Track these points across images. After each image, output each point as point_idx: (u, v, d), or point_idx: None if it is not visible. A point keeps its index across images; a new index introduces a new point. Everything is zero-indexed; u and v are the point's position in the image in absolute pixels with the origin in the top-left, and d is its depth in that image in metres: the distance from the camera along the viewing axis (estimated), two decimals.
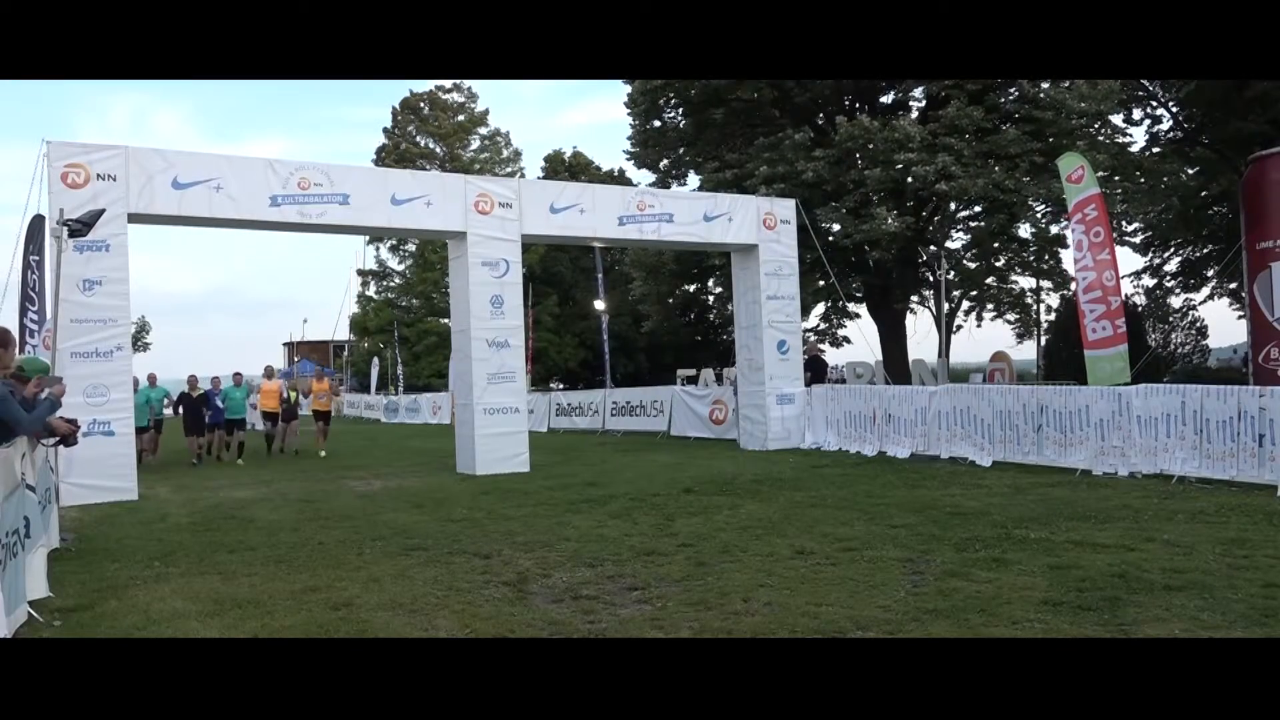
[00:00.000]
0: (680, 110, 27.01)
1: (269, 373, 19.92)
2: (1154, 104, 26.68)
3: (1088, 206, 13.98)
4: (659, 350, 39.64)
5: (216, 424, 17.18)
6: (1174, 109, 26.35)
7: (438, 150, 48.73)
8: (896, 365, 22.93)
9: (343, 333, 53.09)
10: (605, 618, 5.35)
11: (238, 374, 18.00)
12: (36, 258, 12.45)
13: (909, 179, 22.03)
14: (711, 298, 37.52)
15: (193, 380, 17.33)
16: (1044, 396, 11.70)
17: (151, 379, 17.11)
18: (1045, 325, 30.24)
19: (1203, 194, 27.02)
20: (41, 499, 6.71)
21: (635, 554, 7.12)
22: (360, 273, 50.75)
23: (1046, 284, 28.26)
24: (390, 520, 9.06)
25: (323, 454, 17.82)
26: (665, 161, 28.19)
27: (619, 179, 37.77)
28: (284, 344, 69.02)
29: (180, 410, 17.12)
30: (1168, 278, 30.79)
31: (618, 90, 44.62)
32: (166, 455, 17.49)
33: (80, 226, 9.73)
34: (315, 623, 5.35)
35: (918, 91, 24.77)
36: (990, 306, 29.72)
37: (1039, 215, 25.61)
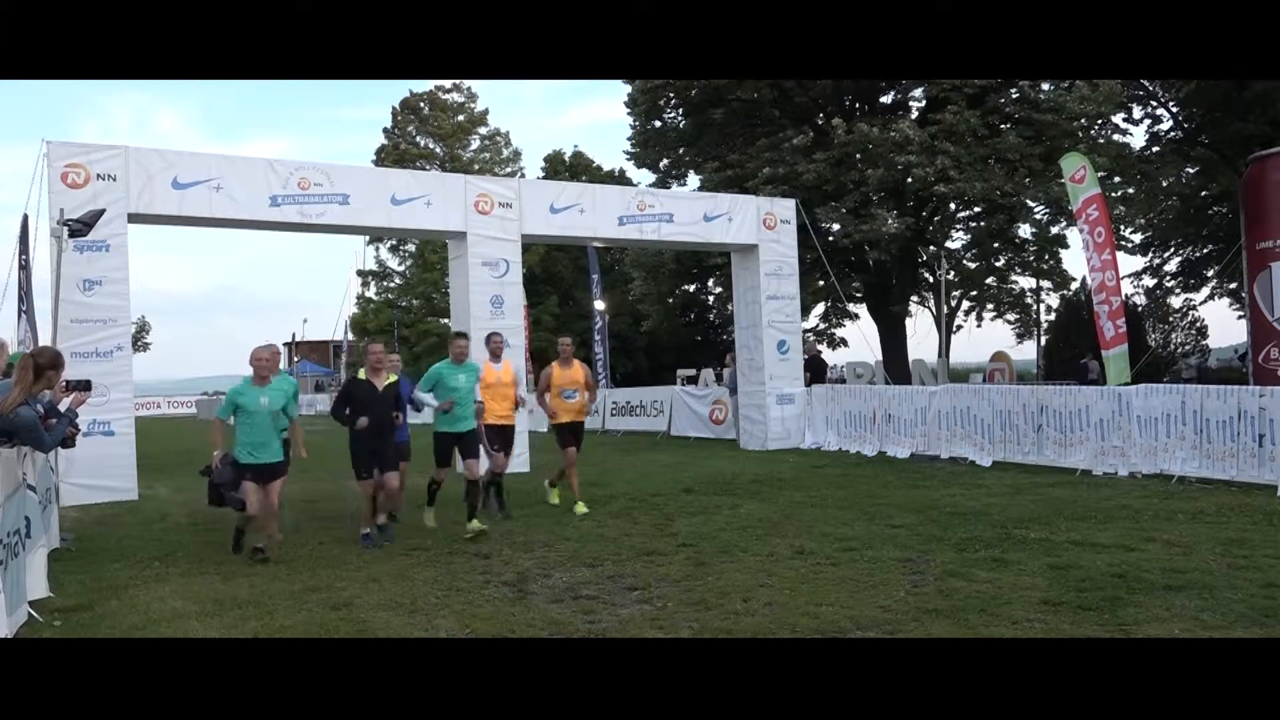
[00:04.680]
0: (680, 110, 27.01)
1: (496, 348, 9.18)
2: (1154, 104, 26.68)
3: (1090, 207, 13.99)
4: (659, 350, 39.61)
5: (404, 446, 8.78)
6: (1174, 109, 26.35)
7: (438, 150, 48.69)
8: (896, 365, 22.92)
9: (343, 333, 53.08)
10: (605, 618, 5.36)
11: (460, 338, 8.76)
12: (25, 257, 12.40)
13: (909, 180, 22.04)
14: (711, 298, 37.52)
15: (376, 355, 8.00)
16: (1044, 396, 11.70)
17: (263, 362, 7.39)
18: (1045, 325, 30.24)
19: (1203, 194, 27.03)
20: (42, 499, 6.71)
21: (635, 554, 7.12)
22: (360, 273, 50.73)
23: (1046, 284, 28.26)
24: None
25: (581, 509, 9.10)
26: (665, 161, 28.19)
27: (619, 179, 37.75)
28: (284, 344, 69.11)
29: (348, 413, 7.87)
30: (1168, 278, 30.78)
31: (618, 90, 44.67)
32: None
33: (80, 226, 9.72)
34: (315, 623, 5.35)
35: (917, 92, 24.78)
36: (990, 306, 29.73)
37: (1039, 216, 25.62)
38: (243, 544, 7.37)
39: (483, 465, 8.68)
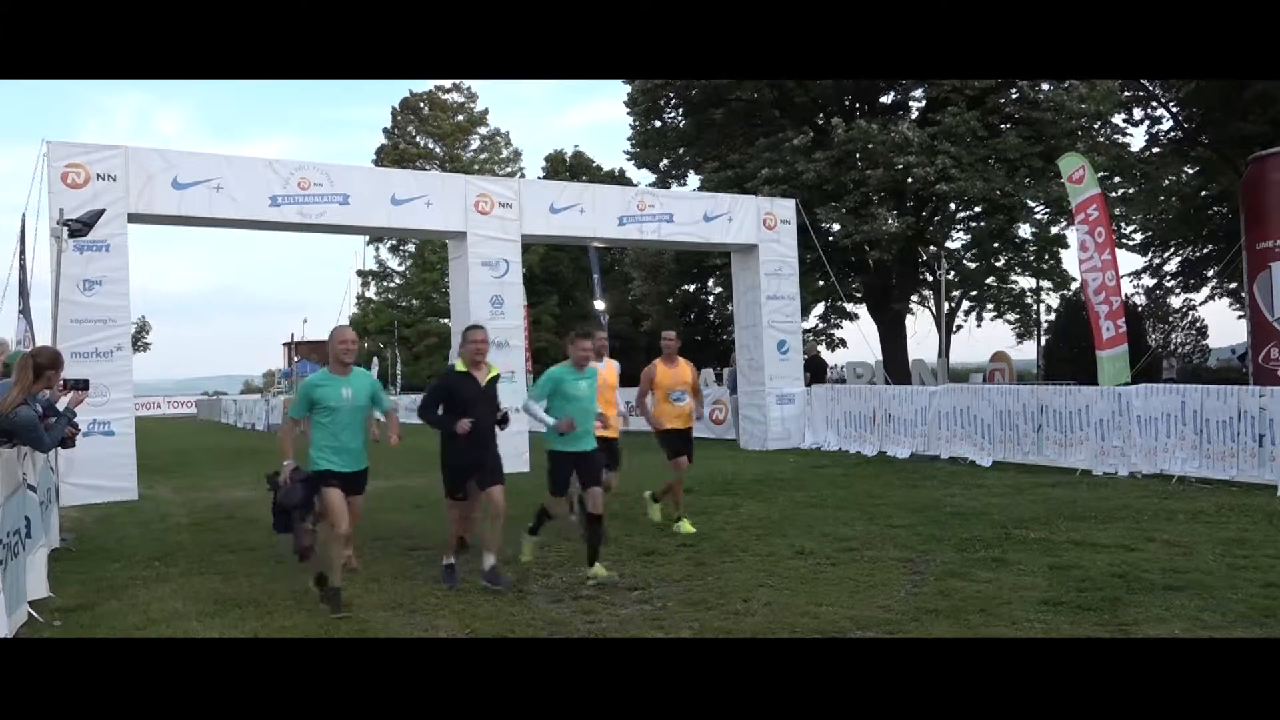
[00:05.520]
0: (680, 110, 26.99)
1: (599, 347, 7.68)
2: (1154, 104, 26.67)
3: (1089, 207, 13.99)
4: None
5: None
6: (1174, 109, 26.33)
7: (437, 150, 48.70)
8: (896, 365, 22.90)
9: None
10: (605, 618, 5.36)
11: (584, 338, 6.66)
12: (23, 257, 12.41)
13: (909, 180, 22.04)
14: (711, 298, 37.48)
15: (476, 344, 6.40)
16: (1044, 396, 11.70)
17: (348, 345, 5.95)
18: (1045, 325, 30.22)
19: (1203, 194, 27.01)
20: (42, 499, 6.71)
21: (635, 554, 7.12)
22: (360, 273, 50.75)
23: (1046, 284, 28.24)
24: (390, 520, 9.05)
25: (688, 528, 8.05)
26: (665, 161, 28.17)
27: (619, 179, 37.73)
28: (284, 344, 69.04)
29: (442, 414, 6.30)
30: (1168, 278, 30.77)
31: (618, 90, 44.63)
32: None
33: (80, 226, 9.72)
34: (315, 623, 5.35)
35: (918, 93, 24.77)
36: (990, 306, 29.69)
37: (1039, 216, 25.61)
38: (330, 591, 5.63)
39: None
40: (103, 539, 8.49)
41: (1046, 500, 9.01)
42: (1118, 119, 25.68)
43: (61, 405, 6.35)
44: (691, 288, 34.18)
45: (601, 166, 42.05)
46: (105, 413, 11.08)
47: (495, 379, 6.41)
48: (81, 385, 6.45)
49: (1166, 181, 27.60)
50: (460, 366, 6.32)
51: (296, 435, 5.96)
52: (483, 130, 50.12)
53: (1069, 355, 23.86)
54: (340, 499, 5.62)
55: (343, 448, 5.72)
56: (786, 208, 16.35)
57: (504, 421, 6.40)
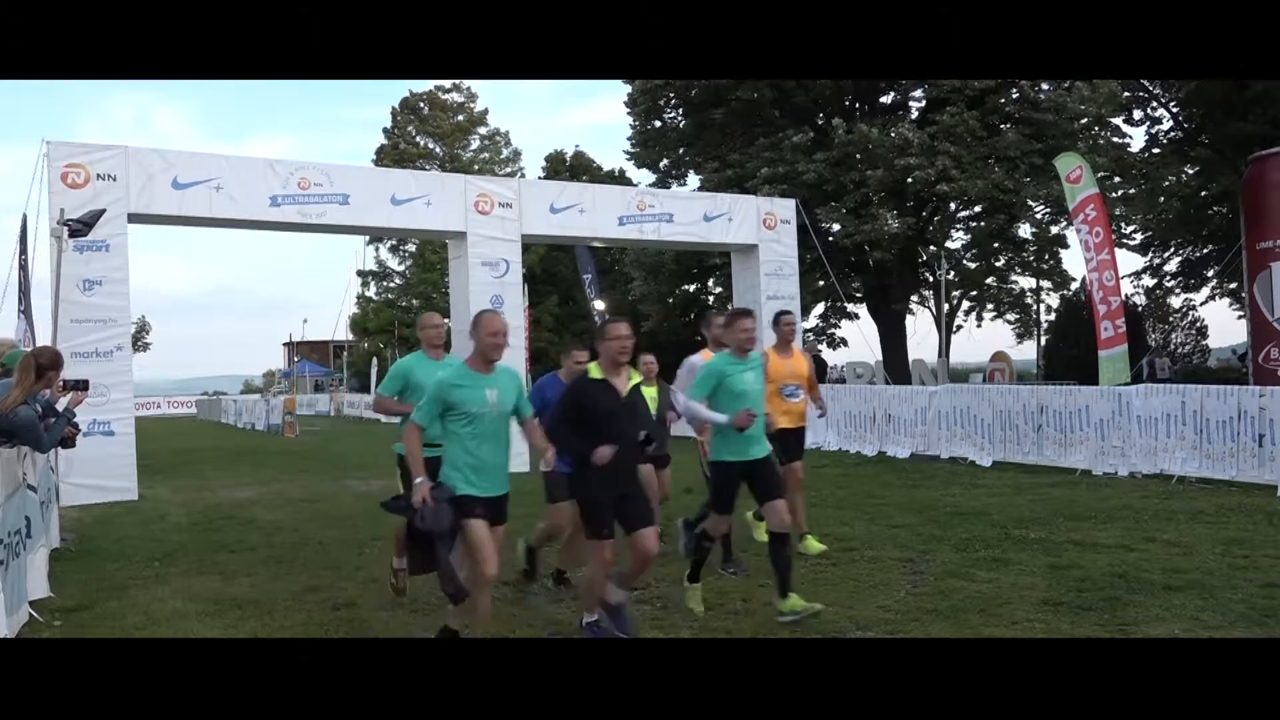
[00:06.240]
0: (680, 110, 27.00)
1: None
2: (1154, 105, 26.67)
3: (1088, 207, 13.99)
4: (659, 350, 39.55)
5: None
6: (1174, 109, 26.33)
7: (437, 150, 48.70)
8: (896, 365, 22.90)
9: (343, 333, 53.10)
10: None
11: (743, 316, 5.63)
12: (24, 257, 12.42)
13: (909, 180, 22.05)
14: (711, 298, 37.50)
15: (620, 340, 4.98)
16: (1044, 396, 11.70)
17: (499, 337, 4.70)
18: (1045, 325, 30.22)
19: (1203, 194, 27.01)
20: (42, 499, 6.71)
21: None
22: (360, 273, 50.76)
23: (1046, 284, 28.24)
24: (390, 520, 9.02)
25: (815, 546, 7.15)
26: (665, 161, 28.17)
27: (619, 179, 37.73)
28: (284, 344, 69.05)
29: (572, 434, 4.94)
30: (1168, 278, 30.76)
31: (618, 90, 44.63)
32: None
33: (80, 226, 9.73)
34: (315, 623, 5.35)
35: (918, 93, 24.77)
36: (990, 306, 29.70)
37: (1039, 216, 25.61)
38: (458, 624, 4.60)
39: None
40: (103, 539, 8.49)
41: (1046, 500, 9.01)
42: (1118, 121, 25.69)
43: (61, 406, 6.35)
44: (691, 288, 34.18)
45: (601, 166, 42.04)
46: (105, 413, 11.08)
47: (637, 387, 5.08)
48: (81, 386, 6.44)
49: (1166, 182, 27.60)
50: (595, 372, 4.94)
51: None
52: (483, 130, 50.12)
53: (1069, 355, 23.86)
54: (488, 533, 4.44)
55: (482, 465, 4.48)
56: (786, 208, 16.35)
57: (648, 443, 5.13)
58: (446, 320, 5.40)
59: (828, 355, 28.10)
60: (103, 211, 10.37)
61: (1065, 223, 24.73)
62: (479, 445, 4.49)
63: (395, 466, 5.85)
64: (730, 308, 5.77)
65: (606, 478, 4.75)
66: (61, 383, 6.31)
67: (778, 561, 5.22)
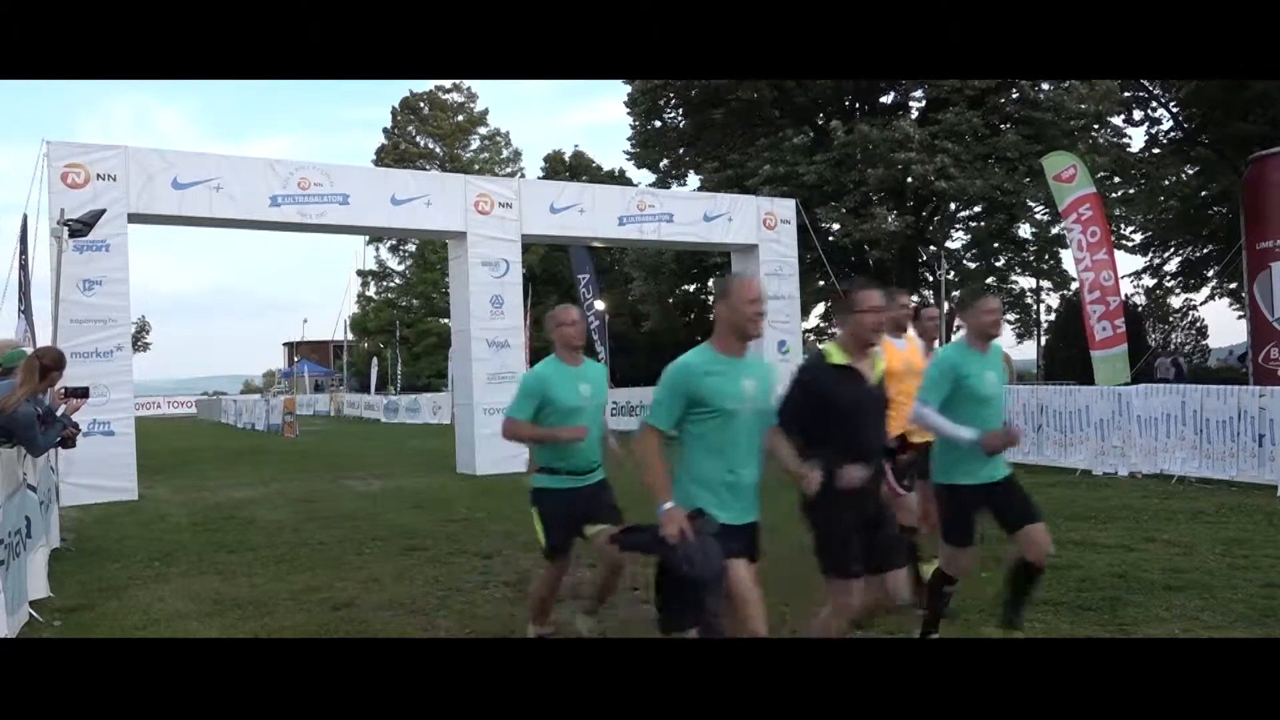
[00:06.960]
0: (680, 110, 27.04)
1: (928, 327, 6.13)
2: (1154, 104, 26.67)
3: (1082, 206, 13.98)
4: (659, 350, 39.60)
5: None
6: (1174, 109, 26.34)
7: (437, 150, 48.75)
8: None
9: (343, 333, 53.14)
10: (606, 618, 5.34)
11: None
12: (24, 257, 12.41)
13: (909, 179, 22.07)
14: (711, 298, 37.50)
15: (876, 314, 3.68)
16: (1044, 396, 11.70)
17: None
18: (1045, 325, 30.23)
19: (1203, 194, 27.03)
20: (42, 499, 6.71)
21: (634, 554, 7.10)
22: (360, 273, 50.81)
23: (1046, 284, 28.27)
24: (390, 520, 9.05)
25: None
26: (665, 161, 28.22)
27: (619, 179, 37.76)
28: (284, 344, 69.09)
29: (806, 438, 3.61)
30: (1168, 278, 30.79)
31: (618, 90, 44.59)
32: None
33: (80, 226, 9.73)
34: (315, 623, 5.35)
35: (918, 93, 24.80)
36: None
37: (1039, 216, 25.64)
38: None
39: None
40: (102, 539, 8.49)
41: (1046, 500, 8.96)
42: (1117, 120, 25.72)
43: (59, 412, 6.35)
44: (691, 288, 34.21)
45: (601, 166, 42.07)
46: (105, 413, 11.08)
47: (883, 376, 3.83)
48: (81, 394, 6.46)
49: (1166, 181, 27.63)
50: (835, 355, 3.65)
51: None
52: (483, 130, 50.19)
53: (1069, 355, 23.88)
54: (752, 579, 3.47)
55: (739, 484, 3.49)
56: (786, 208, 16.36)
57: (901, 450, 4.09)
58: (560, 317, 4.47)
59: None
60: (103, 211, 10.37)
61: (1063, 222, 24.76)
62: (735, 454, 3.42)
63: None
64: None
65: (850, 498, 3.58)
66: (62, 390, 6.32)
67: (1019, 598, 4.31)
